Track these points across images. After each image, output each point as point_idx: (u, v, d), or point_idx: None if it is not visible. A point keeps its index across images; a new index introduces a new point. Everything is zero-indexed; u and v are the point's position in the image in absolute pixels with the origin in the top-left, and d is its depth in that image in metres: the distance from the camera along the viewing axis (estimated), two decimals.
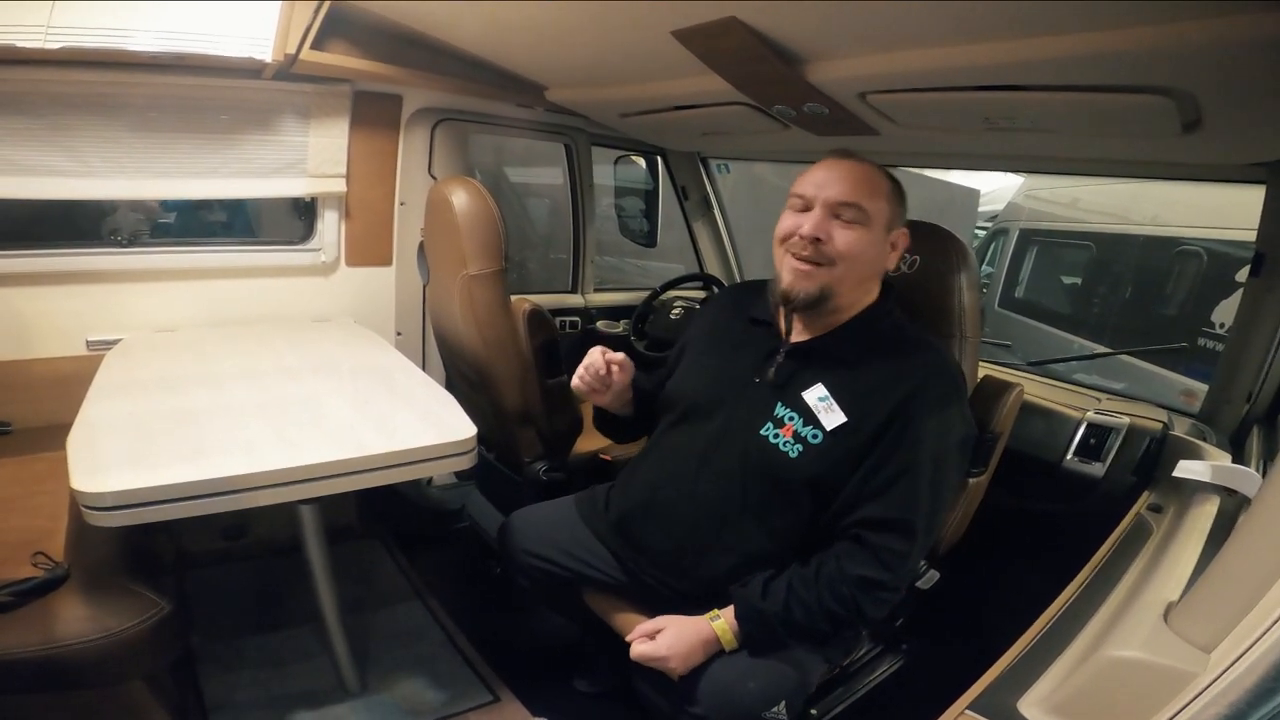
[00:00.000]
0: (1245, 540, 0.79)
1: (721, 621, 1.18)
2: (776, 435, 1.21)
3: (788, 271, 1.21)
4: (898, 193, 1.24)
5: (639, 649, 1.18)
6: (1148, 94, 1.14)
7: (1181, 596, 0.90)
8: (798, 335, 1.28)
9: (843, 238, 1.17)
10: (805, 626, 1.16)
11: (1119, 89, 1.16)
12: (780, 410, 1.22)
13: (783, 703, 1.16)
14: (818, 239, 1.17)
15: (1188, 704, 0.49)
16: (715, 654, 1.18)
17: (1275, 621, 0.48)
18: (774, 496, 1.23)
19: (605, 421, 1.53)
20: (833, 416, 1.18)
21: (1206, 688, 0.48)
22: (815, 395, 1.20)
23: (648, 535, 1.35)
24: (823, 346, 1.24)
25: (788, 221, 1.21)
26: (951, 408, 1.18)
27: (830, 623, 1.16)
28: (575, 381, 1.37)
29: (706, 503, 1.28)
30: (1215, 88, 1.10)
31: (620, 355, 1.37)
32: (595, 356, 1.35)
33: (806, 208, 1.20)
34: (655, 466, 1.39)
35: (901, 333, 1.24)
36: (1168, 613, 0.87)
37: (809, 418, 1.19)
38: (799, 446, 1.19)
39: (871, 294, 1.26)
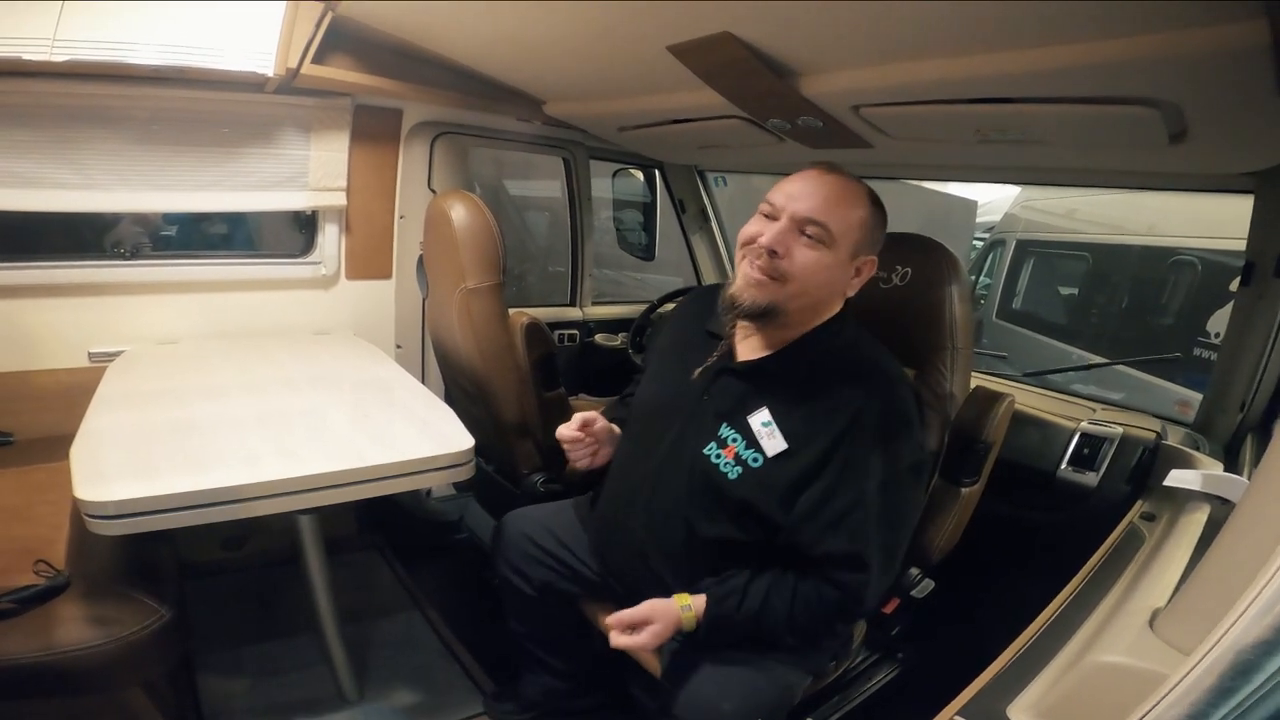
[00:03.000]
0: (1227, 545, 0.80)
1: (691, 614, 1.17)
2: (719, 456, 1.20)
3: (741, 277, 1.18)
4: (877, 218, 1.20)
5: (621, 640, 1.16)
6: (1134, 105, 1.15)
7: (1168, 602, 0.91)
8: (748, 353, 1.26)
9: (801, 257, 1.13)
10: (770, 635, 1.17)
11: (1106, 100, 1.17)
12: (725, 431, 1.21)
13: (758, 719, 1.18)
14: (774, 252, 1.13)
15: (1153, 706, 0.50)
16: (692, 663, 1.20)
17: (1235, 622, 0.49)
18: (717, 514, 1.22)
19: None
20: (774, 443, 1.16)
21: (1171, 689, 0.49)
22: (759, 420, 1.18)
23: (612, 553, 1.38)
24: (771, 367, 1.22)
25: (752, 226, 1.18)
26: (898, 435, 1.15)
27: (797, 636, 1.18)
28: (579, 464, 1.38)
29: (660, 521, 1.28)
30: (1200, 99, 1.11)
31: (579, 416, 1.36)
32: (562, 431, 1.36)
33: (774, 216, 1.16)
34: (617, 482, 1.40)
35: (852, 352, 1.21)
36: (1153, 619, 0.88)
37: (751, 441, 1.18)
38: (739, 469, 1.19)
39: (827, 313, 1.23)
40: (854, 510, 1.11)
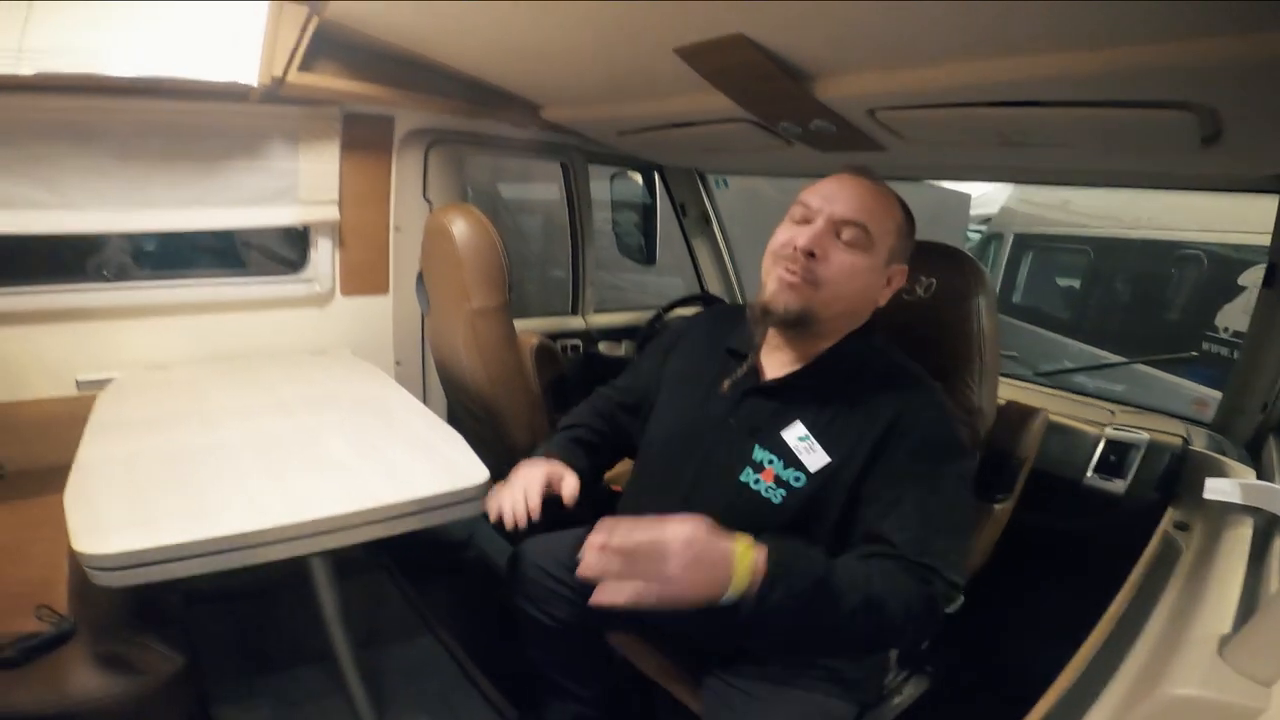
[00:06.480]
0: None
1: (749, 555, 0.92)
2: (757, 481, 1.12)
3: (774, 281, 1.10)
4: (908, 227, 1.17)
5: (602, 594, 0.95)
6: (1168, 109, 1.12)
7: (1234, 628, 0.88)
8: (774, 370, 1.19)
9: (839, 260, 1.07)
10: (838, 603, 0.94)
11: (1138, 104, 1.13)
12: (759, 453, 1.13)
13: None
14: (812, 253, 1.07)
15: None
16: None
17: None
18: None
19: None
20: (815, 457, 1.09)
21: None
22: (795, 435, 1.11)
23: None
24: (799, 382, 1.15)
25: (785, 233, 1.11)
26: (939, 440, 1.08)
27: (871, 610, 0.94)
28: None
29: None
30: (1238, 101, 1.08)
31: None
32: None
33: (807, 220, 1.10)
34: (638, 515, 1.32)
35: (884, 359, 1.16)
36: (1222, 646, 0.84)
37: (790, 459, 1.10)
38: (782, 491, 1.10)
39: (857, 324, 1.17)
40: (904, 500, 1.02)
